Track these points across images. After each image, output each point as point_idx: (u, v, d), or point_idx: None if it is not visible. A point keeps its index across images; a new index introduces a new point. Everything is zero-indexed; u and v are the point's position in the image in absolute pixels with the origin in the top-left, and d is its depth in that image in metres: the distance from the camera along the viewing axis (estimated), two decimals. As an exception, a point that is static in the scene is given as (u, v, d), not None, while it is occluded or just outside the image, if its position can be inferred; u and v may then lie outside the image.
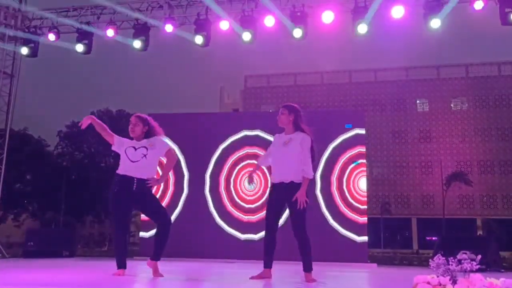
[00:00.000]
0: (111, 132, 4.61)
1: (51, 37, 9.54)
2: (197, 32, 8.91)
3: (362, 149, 9.07)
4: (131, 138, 4.56)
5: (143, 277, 4.57)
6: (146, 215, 4.79)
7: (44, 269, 5.41)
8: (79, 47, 9.41)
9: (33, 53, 9.79)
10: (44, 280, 3.98)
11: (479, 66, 37.17)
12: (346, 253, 8.60)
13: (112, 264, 4.60)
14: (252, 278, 4.37)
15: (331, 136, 9.12)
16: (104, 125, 4.63)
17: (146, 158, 4.41)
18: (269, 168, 5.26)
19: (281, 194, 4.33)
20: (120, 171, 4.43)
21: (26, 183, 33.99)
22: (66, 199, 30.88)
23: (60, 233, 10.79)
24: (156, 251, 4.44)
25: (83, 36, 9.42)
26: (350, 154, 9.02)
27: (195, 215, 8.93)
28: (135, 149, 4.45)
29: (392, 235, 35.04)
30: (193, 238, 8.69)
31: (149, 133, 4.54)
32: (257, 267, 4.51)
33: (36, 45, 9.67)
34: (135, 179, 4.36)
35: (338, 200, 8.89)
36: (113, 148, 4.59)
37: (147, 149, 4.45)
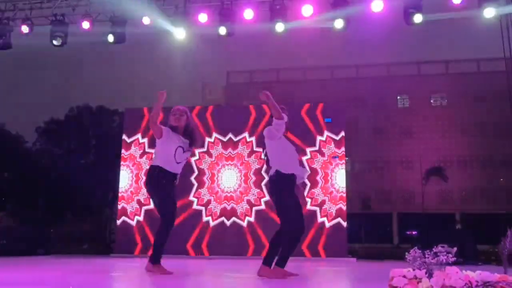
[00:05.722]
0: (160, 125, 4.35)
1: (25, 29, 9.24)
2: (175, 25, 8.72)
3: (342, 143, 9.07)
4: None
5: (118, 275, 4.44)
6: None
7: (14, 268, 5.24)
8: (56, 41, 9.16)
9: (7, 45, 9.47)
10: (7, 280, 3.82)
11: (459, 62, 37.62)
12: (326, 248, 8.60)
13: (91, 262, 4.46)
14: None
15: (311, 130, 9.09)
16: (159, 113, 4.36)
17: (186, 161, 4.49)
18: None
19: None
20: (165, 166, 4.30)
21: (4, 180, 33.23)
22: (45, 196, 30.28)
23: (35, 231, 10.53)
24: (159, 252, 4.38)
25: (58, 28, 9.16)
26: (330, 148, 9.01)
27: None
28: (183, 151, 4.39)
29: (373, 230, 35.35)
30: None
31: (187, 126, 4.48)
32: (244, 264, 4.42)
33: (8, 37, 9.36)
34: (177, 175, 4.42)
35: (318, 194, 8.87)
36: (160, 141, 4.33)
37: (190, 153, 4.53)
